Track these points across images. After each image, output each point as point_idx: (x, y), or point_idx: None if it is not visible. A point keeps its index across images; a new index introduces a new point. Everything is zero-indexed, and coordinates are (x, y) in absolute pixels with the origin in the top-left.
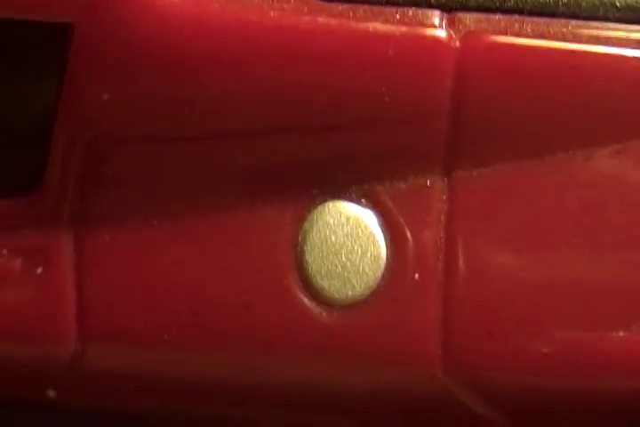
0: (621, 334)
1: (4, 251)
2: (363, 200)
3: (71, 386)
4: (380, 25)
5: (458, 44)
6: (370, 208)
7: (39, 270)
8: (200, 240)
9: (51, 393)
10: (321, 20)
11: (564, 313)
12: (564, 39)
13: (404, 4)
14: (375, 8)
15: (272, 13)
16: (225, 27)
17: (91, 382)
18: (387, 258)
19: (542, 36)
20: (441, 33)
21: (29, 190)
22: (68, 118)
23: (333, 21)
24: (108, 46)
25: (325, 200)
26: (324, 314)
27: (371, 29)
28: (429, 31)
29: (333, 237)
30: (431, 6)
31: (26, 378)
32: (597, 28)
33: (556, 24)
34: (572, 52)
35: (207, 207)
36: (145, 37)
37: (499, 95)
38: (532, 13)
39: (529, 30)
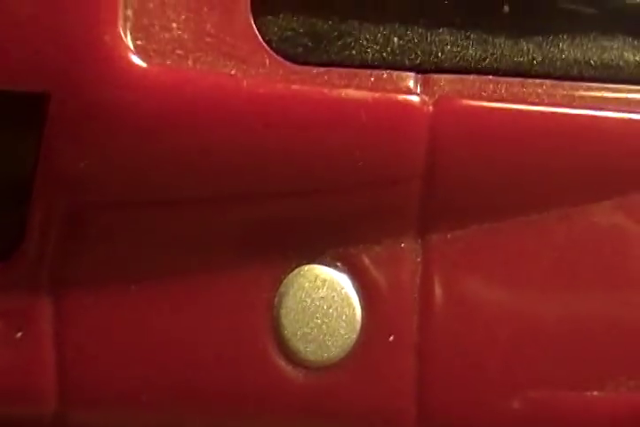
0: (595, 393)
1: None
2: (338, 264)
3: None
4: (352, 91)
5: (431, 108)
6: (345, 272)
7: (19, 334)
8: (178, 303)
9: None
10: (294, 87)
11: (538, 372)
12: (539, 100)
13: (379, 67)
14: (350, 71)
15: (245, 81)
16: (200, 95)
17: None
18: (362, 320)
19: (517, 97)
20: (414, 98)
21: (8, 254)
22: (46, 184)
23: (306, 88)
24: (84, 115)
25: (301, 264)
26: (300, 376)
27: (344, 96)
28: (402, 97)
29: (309, 301)
30: (406, 68)
31: None
32: (572, 87)
33: (531, 84)
34: (545, 114)
35: (185, 270)
36: (119, 106)
37: (472, 159)
38: (506, 74)
39: (503, 91)
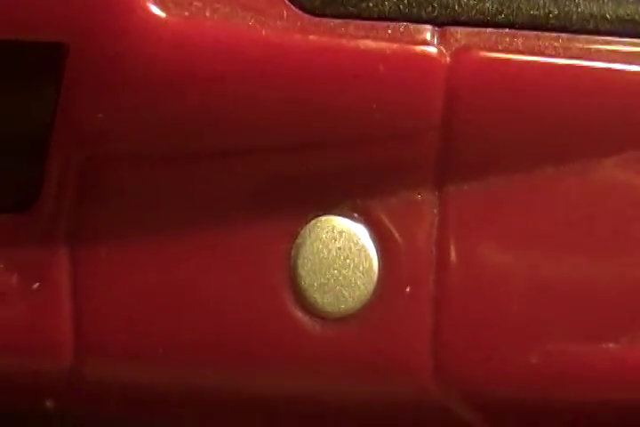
0: (610, 346)
1: (1, 266)
2: (355, 215)
3: (69, 398)
4: (370, 42)
5: (448, 60)
6: (362, 222)
7: (35, 285)
8: (195, 256)
9: (49, 404)
10: (312, 38)
11: (554, 325)
12: (555, 53)
13: (396, 19)
14: (367, 23)
15: (264, 32)
16: (217, 45)
17: (88, 393)
18: (378, 271)
19: (533, 50)
20: (432, 49)
21: (26, 206)
22: (64, 137)
23: (324, 39)
24: (103, 66)
25: (318, 215)
26: (317, 327)
27: (362, 47)
28: (420, 48)
29: (326, 252)
30: (423, 21)
31: (24, 390)
32: (588, 41)
33: (547, 37)
34: (562, 66)
35: (201, 224)
36: (138, 56)
37: (489, 110)
38: (522, 27)
39: (520, 44)
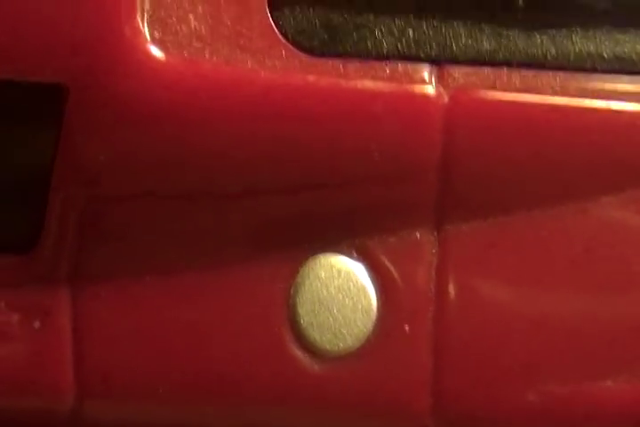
0: (609, 384)
1: (2, 305)
2: (354, 254)
3: None
4: (369, 82)
5: (446, 99)
6: (361, 261)
7: (36, 325)
8: (195, 296)
9: None
10: (311, 78)
11: (553, 364)
12: (553, 91)
13: (394, 58)
14: (365, 62)
15: (263, 73)
16: (216, 86)
17: None
18: (377, 311)
19: (531, 89)
20: (429, 89)
21: (27, 247)
22: (65, 177)
23: (323, 80)
24: (102, 107)
25: (317, 254)
26: (316, 366)
27: (360, 87)
28: (418, 88)
29: (325, 291)
30: (421, 60)
31: None
32: (585, 79)
33: (545, 76)
34: (560, 106)
35: (202, 264)
36: (138, 97)
37: (487, 150)
38: (520, 66)
39: (517, 83)
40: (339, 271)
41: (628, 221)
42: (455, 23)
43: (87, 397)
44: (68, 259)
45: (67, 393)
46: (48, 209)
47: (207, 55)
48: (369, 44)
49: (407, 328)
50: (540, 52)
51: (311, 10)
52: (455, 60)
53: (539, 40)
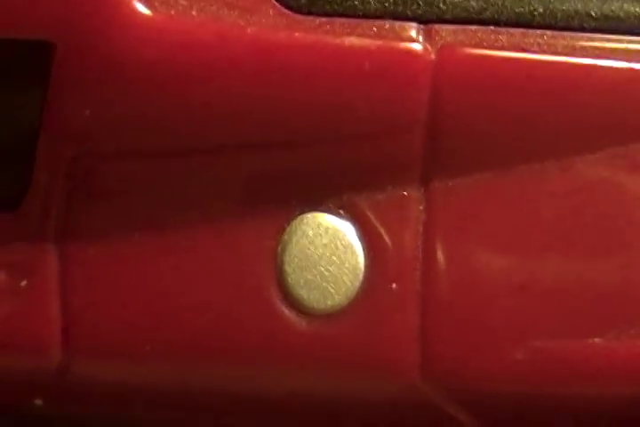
0: (597, 341)
1: None
2: (341, 211)
3: (58, 395)
4: (355, 39)
5: (433, 56)
6: (348, 219)
7: (23, 283)
8: (182, 253)
9: (38, 402)
10: (298, 35)
11: (540, 321)
12: (540, 50)
13: (381, 17)
14: (352, 21)
15: (249, 29)
16: (204, 42)
17: (77, 391)
18: (365, 268)
19: (518, 47)
20: (416, 46)
21: (14, 205)
22: (52, 134)
23: (310, 36)
24: (89, 63)
25: (304, 212)
26: (304, 323)
27: (347, 44)
28: (405, 45)
29: (312, 248)
30: (408, 18)
31: (13, 387)
32: (573, 38)
33: (532, 35)
34: (546, 63)
35: (189, 221)
36: (125, 53)
37: (474, 106)
38: (507, 24)
39: (505, 41)
40: (326, 229)
41: (613, 178)
42: None
43: (74, 354)
44: (55, 216)
45: (54, 351)
46: (36, 166)
47: (194, 13)
48: (356, 3)
49: (394, 286)
50: (527, 10)
51: None
52: (442, 19)
53: None
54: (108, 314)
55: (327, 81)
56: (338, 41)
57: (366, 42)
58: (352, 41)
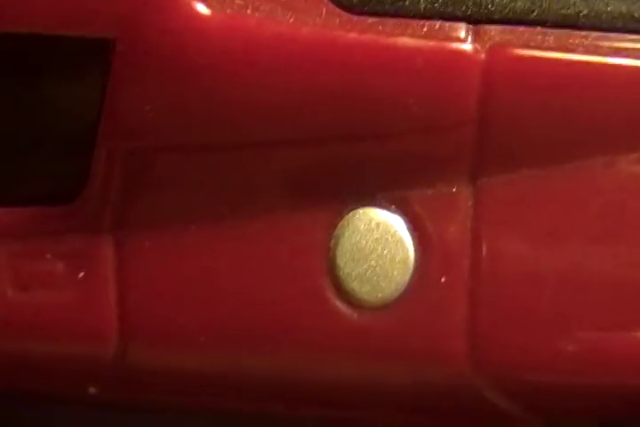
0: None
1: (48, 255)
2: (392, 206)
3: (113, 383)
4: (408, 39)
5: (483, 56)
6: (398, 214)
7: (81, 274)
8: (237, 245)
9: (92, 390)
10: (351, 35)
11: (588, 312)
12: (586, 50)
13: (431, 17)
14: (403, 21)
15: (304, 29)
16: (261, 41)
17: (133, 379)
18: (415, 262)
19: (564, 48)
20: (467, 46)
21: (72, 197)
22: (110, 129)
23: (364, 36)
24: (149, 59)
25: (356, 207)
26: (355, 316)
27: (399, 43)
28: (455, 45)
29: (364, 242)
30: (457, 18)
31: (70, 375)
32: (617, 39)
33: (577, 36)
34: (593, 63)
35: (243, 214)
36: (185, 50)
37: (522, 105)
38: (554, 25)
39: (551, 42)
40: (377, 224)
41: None
42: None
43: (130, 344)
44: (111, 209)
45: (110, 340)
46: (94, 160)
47: (249, 12)
48: (407, 3)
49: (444, 279)
50: (572, 11)
51: None
52: (490, 19)
53: (572, 0)
54: (164, 303)
55: (381, 79)
56: (391, 41)
57: (418, 42)
58: (404, 41)
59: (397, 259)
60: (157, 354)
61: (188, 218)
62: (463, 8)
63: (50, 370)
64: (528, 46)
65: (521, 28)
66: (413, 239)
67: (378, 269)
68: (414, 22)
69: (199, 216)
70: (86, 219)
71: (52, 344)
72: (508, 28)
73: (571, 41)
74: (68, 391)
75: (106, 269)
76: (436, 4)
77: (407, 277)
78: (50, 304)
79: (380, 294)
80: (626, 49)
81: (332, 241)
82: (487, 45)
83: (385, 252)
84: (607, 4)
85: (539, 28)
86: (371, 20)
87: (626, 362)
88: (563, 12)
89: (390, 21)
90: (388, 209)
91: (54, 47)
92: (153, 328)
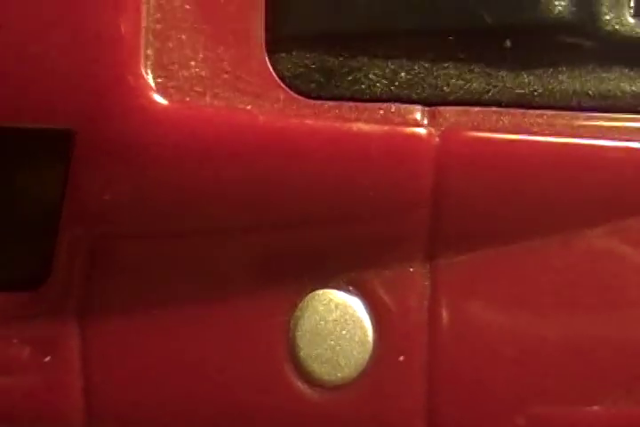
0: (595, 408)
1: (14, 340)
2: (350, 288)
3: None
4: (363, 125)
5: (437, 140)
6: (357, 295)
7: (47, 359)
8: (200, 329)
9: None
10: (308, 122)
11: (541, 389)
12: (540, 129)
13: (388, 100)
14: (360, 104)
15: (261, 117)
16: (218, 131)
17: None
18: (373, 342)
19: (519, 128)
20: (421, 130)
21: (36, 284)
22: (73, 217)
23: (319, 123)
24: (108, 149)
25: (315, 288)
26: (316, 395)
27: (355, 129)
28: (410, 129)
29: (323, 323)
30: (413, 101)
31: None
32: (571, 117)
33: (532, 115)
34: (547, 143)
35: (205, 298)
36: (142, 140)
37: (476, 187)
38: (508, 105)
39: (506, 121)
40: (336, 305)
41: (613, 251)
42: (446, 64)
43: (96, 426)
44: (76, 294)
45: (76, 424)
46: (57, 247)
47: (208, 99)
48: (363, 87)
49: (402, 358)
50: (527, 90)
51: (307, 54)
52: (446, 101)
53: (526, 79)
54: (128, 387)
55: (336, 165)
56: (346, 127)
57: (373, 127)
58: (360, 127)
59: (356, 339)
60: None
61: (151, 302)
62: (419, 90)
63: None
64: (483, 127)
65: (476, 109)
66: (372, 319)
67: (337, 349)
68: (371, 106)
69: (162, 300)
70: (51, 304)
71: None
72: (463, 109)
73: (526, 120)
74: None
75: (71, 354)
76: (392, 87)
77: (366, 356)
78: (16, 388)
79: (339, 374)
80: (581, 127)
81: (292, 322)
82: (442, 128)
83: (344, 332)
84: (561, 83)
85: (494, 107)
86: (327, 104)
87: None
88: (518, 91)
89: (347, 105)
90: (347, 291)
91: (16, 137)
92: (118, 411)
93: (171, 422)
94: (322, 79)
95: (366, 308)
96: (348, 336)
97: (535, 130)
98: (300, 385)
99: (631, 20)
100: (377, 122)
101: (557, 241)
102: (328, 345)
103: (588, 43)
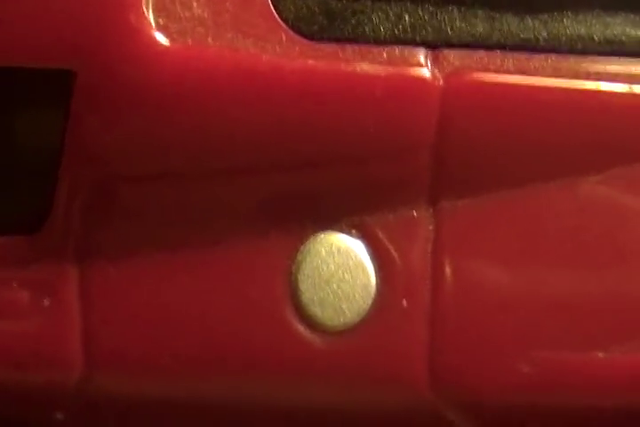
0: (600, 355)
1: (14, 284)
2: (353, 231)
3: (78, 409)
4: (366, 66)
5: (441, 82)
6: (360, 239)
7: (46, 302)
8: (199, 272)
9: (59, 416)
10: (311, 62)
11: (546, 334)
12: (545, 73)
13: (391, 43)
14: (363, 47)
15: (264, 57)
16: (220, 72)
17: (97, 405)
18: (376, 286)
19: (523, 71)
20: (425, 72)
21: (37, 227)
22: (73, 158)
23: (323, 63)
24: (109, 91)
25: (317, 232)
26: (318, 340)
27: (358, 70)
28: (414, 71)
29: (325, 267)
30: (416, 44)
31: (35, 401)
32: (576, 61)
33: (537, 59)
34: (551, 86)
35: (206, 241)
36: (144, 81)
37: (480, 129)
38: (513, 49)
39: (510, 65)
40: (338, 249)
41: (614, 198)
42: (450, 8)
43: (95, 368)
44: (75, 237)
45: (75, 365)
46: (57, 189)
47: (210, 41)
48: (366, 30)
49: (405, 303)
50: (532, 35)
51: None
52: (450, 44)
53: (531, 24)
54: (127, 330)
55: (339, 106)
56: (349, 68)
57: (377, 68)
58: (363, 67)
59: (359, 283)
60: (121, 380)
61: (151, 246)
62: (422, 33)
63: (15, 396)
64: (487, 70)
65: (480, 52)
66: (374, 263)
67: (340, 293)
68: (374, 48)
69: (161, 244)
70: (51, 247)
71: (16, 371)
72: (467, 52)
73: (530, 64)
74: (33, 418)
75: (70, 297)
76: (395, 30)
77: (369, 301)
78: (15, 332)
79: (342, 319)
80: (585, 71)
81: (294, 266)
82: (446, 70)
83: (346, 276)
84: (566, 27)
85: (498, 51)
86: (330, 46)
87: (582, 382)
88: (522, 35)
89: (350, 48)
90: (350, 234)
91: (16, 77)
92: (117, 354)
93: (169, 363)
94: (325, 21)
95: (369, 252)
96: (350, 281)
97: (539, 74)
98: (302, 330)
99: None
100: (380, 64)
101: (561, 186)
102: (331, 289)
103: None
